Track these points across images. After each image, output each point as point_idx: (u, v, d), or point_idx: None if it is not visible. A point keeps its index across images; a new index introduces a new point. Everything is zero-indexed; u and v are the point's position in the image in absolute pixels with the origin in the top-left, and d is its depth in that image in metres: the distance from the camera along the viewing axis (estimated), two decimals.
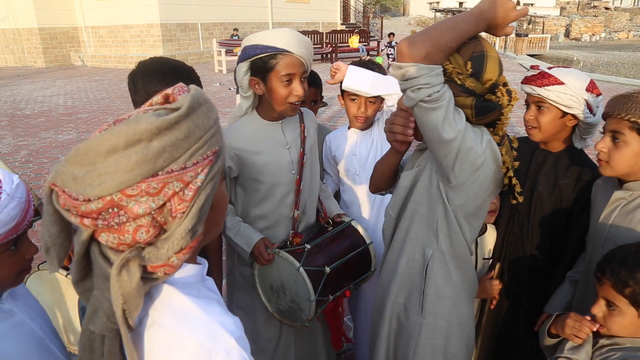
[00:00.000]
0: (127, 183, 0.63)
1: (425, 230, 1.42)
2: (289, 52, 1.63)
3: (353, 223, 1.99)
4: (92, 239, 0.69)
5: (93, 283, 0.72)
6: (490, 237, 1.91)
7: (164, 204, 0.66)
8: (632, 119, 1.36)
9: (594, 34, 39.27)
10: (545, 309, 1.74)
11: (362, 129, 2.19)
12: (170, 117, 0.65)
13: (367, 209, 2.23)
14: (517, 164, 1.38)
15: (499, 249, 1.89)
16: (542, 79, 1.63)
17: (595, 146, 1.46)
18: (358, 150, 2.19)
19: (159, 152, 0.64)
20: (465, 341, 1.51)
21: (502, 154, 1.33)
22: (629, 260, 1.23)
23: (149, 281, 0.70)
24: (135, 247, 0.68)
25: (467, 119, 1.25)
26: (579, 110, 1.62)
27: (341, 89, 2.14)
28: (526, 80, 1.68)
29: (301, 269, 1.70)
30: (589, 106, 1.62)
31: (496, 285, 1.78)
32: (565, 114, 1.65)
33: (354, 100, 2.10)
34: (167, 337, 0.71)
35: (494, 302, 1.83)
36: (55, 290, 1.83)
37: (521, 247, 1.81)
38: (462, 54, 1.23)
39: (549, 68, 1.66)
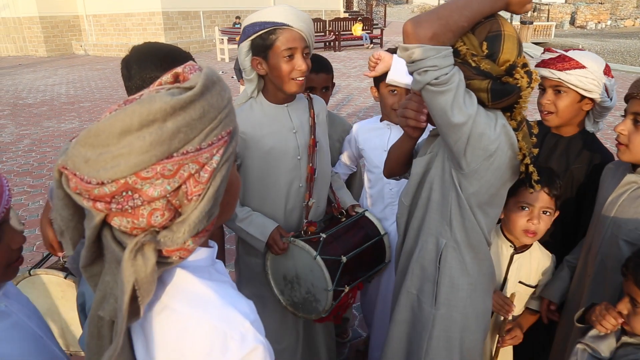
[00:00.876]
0: (142, 165, 0.61)
1: (439, 218, 1.37)
2: (288, 25, 1.59)
3: (367, 214, 1.95)
4: (105, 223, 0.66)
5: (101, 267, 0.70)
6: (535, 261, 1.71)
7: (179, 187, 0.64)
8: None
9: (599, 22, 38.82)
10: (543, 294, 1.72)
11: (396, 123, 2.08)
12: (185, 96, 0.63)
13: (393, 211, 2.14)
14: (536, 150, 1.31)
15: None
16: (562, 62, 1.58)
17: (615, 128, 1.42)
18: (391, 145, 2.11)
19: (174, 133, 0.62)
20: (481, 335, 1.47)
21: (518, 140, 1.25)
22: None
23: (163, 265, 0.68)
24: (149, 231, 0.65)
25: (483, 103, 1.19)
26: (597, 94, 1.58)
27: (376, 80, 2.02)
28: (543, 64, 1.63)
29: (318, 257, 1.67)
30: (606, 89, 1.59)
31: (509, 306, 1.64)
32: (582, 97, 1.61)
33: (393, 92, 1.97)
34: (180, 322, 0.69)
35: (506, 339, 1.70)
36: (48, 295, 1.75)
37: None
38: (477, 34, 1.16)
39: (566, 50, 1.62)
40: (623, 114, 1.46)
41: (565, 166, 1.69)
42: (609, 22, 39.56)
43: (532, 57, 14.93)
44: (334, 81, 2.31)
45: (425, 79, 1.10)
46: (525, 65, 1.18)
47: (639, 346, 1.24)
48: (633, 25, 39.80)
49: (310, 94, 1.90)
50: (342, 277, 1.73)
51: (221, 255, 1.91)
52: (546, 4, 38.38)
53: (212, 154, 0.66)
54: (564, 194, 1.69)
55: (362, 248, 1.82)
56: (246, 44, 1.64)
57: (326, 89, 2.24)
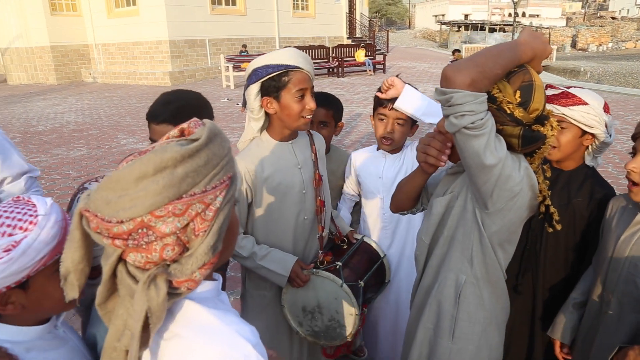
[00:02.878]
0: (156, 205, 0.70)
1: (459, 256, 1.41)
2: (299, 67, 1.68)
3: (365, 239, 2.07)
4: (120, 259, 0.74)
5: (114, 304, 0.78)
6: None
7: (187, 224, 0.73)
8: None
9: (600, 44, 39.20)
10: (553, 335, 1.74)
11: (390, 152, 2.17)
12: (192, 146, 0.73)
13: (388, 232, 2.23)
14: (549, 192, 1.38)
15: (517, 266, 1.89)
16: (565, 98, 1.64)
17: (626, 166, 1.45)
18: (385, 173, 2.18)
19: (183, 177, 0.71)
20: None
21: (539, 182, 1.33)
22: None
23: (173, 297, 0.76)
24: (161, 265, 0.74)
25: (511, 147, 1.25)
26: (599, 129, 1.63)
27: (375, 109, 2.12)
28: (547, 100, 1.69)
29: (344, 285, 1.77)
30: (605, 126, 1.64)
31: None
32: (584, 133, 1.66)
33: (382, 119, 2.08)
34: (189, 348, 0.76)
35: None
36: None
37: (535, 264, 1.80)
38: (511, 83, 1.22)
39: (567, 87, 1.68)
40: (631, 151, 1.48)
41: (567, 200, 1.71)
42: (610, 45, 39.91)
43: None
44: (338, 114, 2.34)
45: (462, 123, 1.15)
46: (548, 115, 1.27)
47: None
48: (634, 47, 40.11)
49: (310, 131, 1.97)
50: (361, 301, 1.83)
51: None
52: (547, 28, 38.83)
53: (216, 195, 0.75)
54: (566, 227, 1.71)
55: (372, 271, 1.94)
56: (256, 86, 1.72)
57: (324, 124, 2.28)
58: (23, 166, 1.95)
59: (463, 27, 37.23)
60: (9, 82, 19.11)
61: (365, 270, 1.92)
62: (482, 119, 1.15)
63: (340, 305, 1.79)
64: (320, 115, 2.23)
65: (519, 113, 1.21)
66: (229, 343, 0.76)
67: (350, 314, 1.78)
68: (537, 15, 51.09)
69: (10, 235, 0.90)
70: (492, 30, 35.25)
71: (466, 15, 48.76)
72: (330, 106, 2.28)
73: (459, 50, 15.50)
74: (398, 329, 2.31)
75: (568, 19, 50.32)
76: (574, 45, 39.68)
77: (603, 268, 1.58)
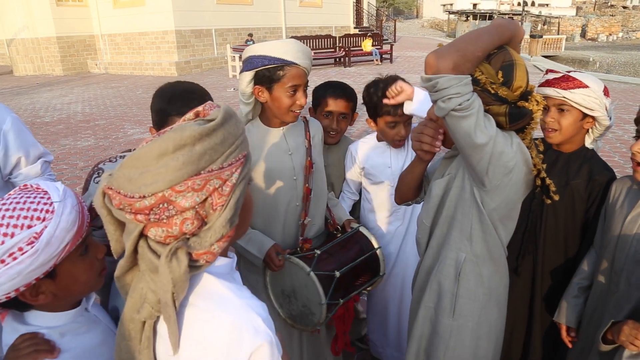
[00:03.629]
0: (176, 180, 0.74)
1: (458, 235, 1.45)
2: (296, 64, 1.67)
3: (361, 229, 2.02)
4: (141, 235, 0.79)
5: (132, 278, 0.84)
6: None
7: (205, 199, 0.77)
8: None
9: (610, 34, 38.70)
10: (560, 319, 1.75)
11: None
12: (209, 125, 0.77)
13: (399, 214, 2.24)
14: (544, 165, 1.41)
15: (517, 248, 1.89)
16: (566, 81, 1.65)
17: (632, 148, 1.48)
18: (393, 162, 2.20)
19: (201, 155, 0.75)
20: (493, 343, 1.53)
21: (532, 157, 1.37)
22: None
23: (193, 269, 0.80)
24: (181, 238, 0.77)
25: (500, 126, 1.29)
26: (600, 112, 1.64)
27: (371, 112, 2.13)
28: (547, 83, 1.70)
29: (312, 273, 1.74)
30: (605, 109, 1.65)
31: None
32: (585, 116, 1.67)
33: (392, 127, 2.11)
34: (202, 316, 0.80)
35: None
36: None
37: (534, 246, 1.82)
38: (492, 64, 1.26)
39: (568, 72, 1.69)
40: (635, 134, 1.51)
41: (566, 181, 1.73)
42: (620, 34, 39.39)
43: (541, 70, 14.94)
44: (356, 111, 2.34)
45: (449, 106, 1.19)
46: (532, 90, 1.31)
47: None
48: None
49: (306, 117, 1.97)
50: (336, 291, 1.80)
51: None
52: (556, 17, 38.38)
53: (232, 172, 0.79)
54: (565, 209, 1.73)
55: (356, 262, 1.89)
56: (250, 73, 1.71)
57: (344, 116, 2.25)
58: (39, 148, 1.92)
59: (471, 16, 36.89)
60: (15, 73, 19.18)
61: (350, 260, 1.89)
62: (468, 99, 1.19)
63: (310, 292, 1.78)
64: (342, 107, 2.23)
65: (503, 92, 1.25)
66: (240, 315, 0.80)
67: (318, 303, 1.76)
68: (547, 5, 50.46)
69: (29, 227, 0.88)
70: None
71: (475, 5, 48.24)
72: (350, 98, 2.26)
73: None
74: (403, 314, 2.32)
75: (578, 8, 49.64)
76: (583, 35, 39.20)
77: (609, 249, 1.59)
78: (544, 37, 25.54)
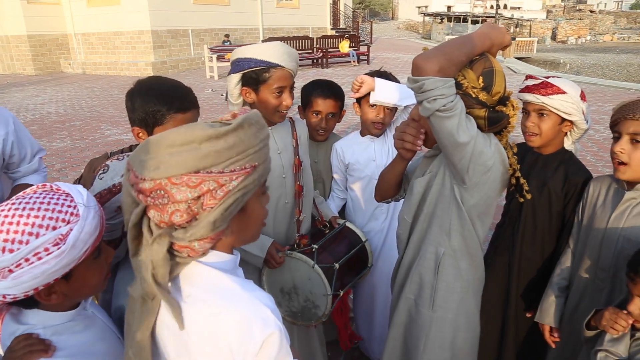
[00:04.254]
0: (174, 173, 0.78)
1: (438, 230, 1.53)
2: (281, 66, 1.72)
3: (348, 224, 2.13)
4: (144, 214, 0.83)
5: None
6: None
7: (199, 197, 0.80)
8: None
9: (579, 37, 39.81)
10: (542, 320, 1.81)
11: (378, 135, 2.27)
12: (221, 129, 0.80)
13: (384, 207, 2.30)
14: (519, 166, 1.50)
15: (493, 247, 1.98)
16: (545, 88, 1.72)
17: (613, 148, 1.55)
18: (378, 155, 2.27)
19: (205, 155, 0.79)
20: (471, 334, 1.61)
21: (509, 157, 1.46)
22: None
23: (178, 258, 0.85)
24: (170, 227, 0.82)
25: (479, 128, 1.37)
26: (577, 116, 1.73)
27: (358, 98, 2.22)
28: (527, 90, 1.77)
29: (316, 266, 1.82)
30: (582, 113, 1.74)
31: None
32: (563, 120, 1.75)
33: (373, 106, 2.18)
34: (211, 310, 0.83)
35: None
36: None
37: (511, 246, 1.89)
38: (474, 69, 1.34)
39: (546, 77, 1.77)
40: (616, 135, 1.57)
41: (543, 181, 1.81)
42: (588, 37, 40.56)
43: (515, 72, 15.31)
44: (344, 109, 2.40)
45: (434, 106, 1.26)
46: (509, 96, 1.40)
47: None
48: (611, 40, 40.87)
49: (292, 118, 2.04)
50: (336, 283, 1.88)
51: None
52: (528, 20, 39.28)
53: (232, 179, 0.81)
54: (542, 208, 1.82)
55: (350, 255, 1.99)
56: (237, 75, 1.77)
57: (333, 115, 2.31)
58: (36, 145, 2.02)
59: (446, 18, 37.44)
60: None
61: (343, 253, 1.99)
62: (452, 101, 1.26)
63: (314, 285, 1.85)
64: (330, 107, 2.28)
65: (483, 96, 1.34)
66: (249, 307, 0.83)
67: (323, 295, 1.84)
68: (518, 8, 51.59)
69: (54, 228, 0.89)
70: (474, 22, 35.50)
71: (449, 7, 48.97)
72: (338, 97, 2.32)
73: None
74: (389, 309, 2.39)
75: (548, 12, 50.95)
76: (554, 37, 40.23)
77: (593, 246, 1.66)
78: (516, 39, 26.11)
